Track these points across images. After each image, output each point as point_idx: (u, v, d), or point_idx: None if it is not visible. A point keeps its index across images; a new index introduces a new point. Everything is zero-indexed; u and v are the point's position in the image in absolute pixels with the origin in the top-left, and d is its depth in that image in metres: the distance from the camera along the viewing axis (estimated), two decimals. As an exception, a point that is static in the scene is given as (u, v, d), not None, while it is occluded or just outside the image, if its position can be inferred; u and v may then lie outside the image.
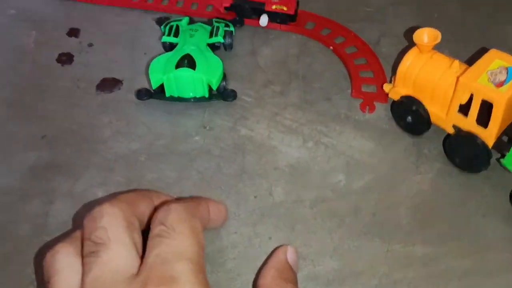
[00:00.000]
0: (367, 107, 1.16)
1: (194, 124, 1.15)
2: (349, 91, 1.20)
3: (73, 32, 1.38)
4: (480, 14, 1.38)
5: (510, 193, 0.94)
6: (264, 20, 1.33)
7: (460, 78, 0.91)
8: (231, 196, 1.01)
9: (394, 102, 1.11)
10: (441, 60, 1.00)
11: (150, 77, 1.14)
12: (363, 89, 1.19)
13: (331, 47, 1.29)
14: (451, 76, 0.96)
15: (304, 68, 1.26)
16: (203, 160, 1.08)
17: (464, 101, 0.93)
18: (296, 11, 1.33)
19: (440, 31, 1.01)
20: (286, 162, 1.07)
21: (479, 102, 0.89)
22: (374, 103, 1.16)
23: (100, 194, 1.03)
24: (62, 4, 1.46)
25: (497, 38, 1.30)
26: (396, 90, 1.09)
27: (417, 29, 1.02)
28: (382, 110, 1.16)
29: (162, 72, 1.13)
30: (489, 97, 0.87)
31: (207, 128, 1.14)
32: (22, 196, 1.02)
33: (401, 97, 1.07)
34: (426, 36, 1.00)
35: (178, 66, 1.13)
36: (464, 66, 0.98)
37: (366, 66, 1.24)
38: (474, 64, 0.92)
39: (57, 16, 1.42)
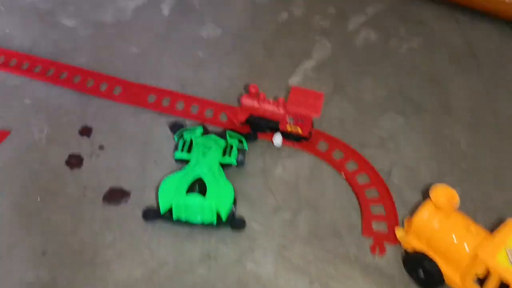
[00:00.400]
0: (377, 248, 1.14)
1: (199, 252, 1.12)
2: (360, 227, 1.18)
3: (86, 131, 1.37)
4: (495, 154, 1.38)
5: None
6: (278, 141, 1.32)
7: (480, 253, 0.90)
8: None
9: (406, 253, 1.09)
10: (459, 222, 0.99)
11: (159, 200, 1.13)
12: (374, 226, 1.18)
13: (343, 173, 1.28)
14: (469, 243, 0.95)
15: (315, 194, 1.25)
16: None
17: (481, 275, 0.91)
18: (310, 133, 1.33)
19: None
20: (291, 306, 1.04)
21: (497, 280, 0.88)
22: (385, 243, 1.14)
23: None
24: (78, 97, 1.46)
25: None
26: (409, 241, 1.07)
27: (432, 186, 1.02)
28: (392, 253, 1.13)
29: (172, 195, 1.12)
30: (507, 279, 0.86)
31: (212, 257, 1.11)
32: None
33: (415, 252, 1.05)
34: (442, 195, 1.00)
35: (189, 190, 1.12)
36: (482, 231, 0.97)
37: (377, 200, 1.23)
38: (493, 235, 0.92)
39: (72, 110, 1.42)
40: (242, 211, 1.20)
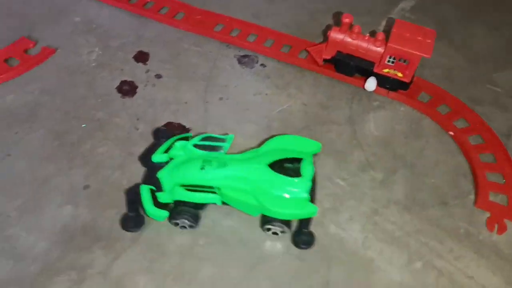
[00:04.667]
0: (496, 225, 0.89)
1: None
2: (472, 197, 0.94)
3: (141, 57, 1.16)
4: None
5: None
6: (371, 84, 1.08)
7: None
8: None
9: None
10: None
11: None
12: (491, 198, 0.93)
13: (451, 133, 1.03)
14: None
15: (413, 153, 1.01)
16: (277, 264, 0.83)
17: None
18: (412, 79, 1.08)
19: None
20: (384, 285, 0.82)
21: None
22: (505, 221, 0.90)
23: (142, 283, 0.80)
24: (133, 19, 1.25)
25: None
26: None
27: None
28: (514, 232, 0.89)
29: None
30: None
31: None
32: (46, 268, 0.80)
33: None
34: None
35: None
36: None
37: (495, 167, 0.98)
38: None
39: (126, 33, 1.21)
40: (324, 162, 0.97)
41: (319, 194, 0.90)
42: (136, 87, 1.10)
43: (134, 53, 1.17)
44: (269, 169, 0.81)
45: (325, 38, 1.13)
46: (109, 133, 1.00)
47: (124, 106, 1.05)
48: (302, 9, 1.31)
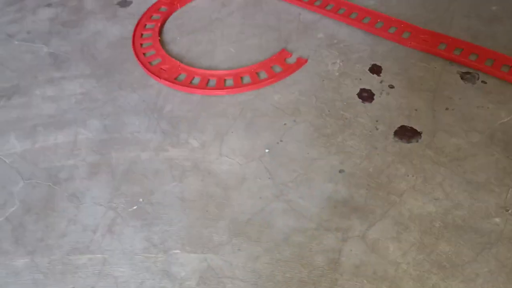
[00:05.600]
0: None
1: (495, 202, 1.09)
2: None
3: (375, 70, 1.41)
4: None
5: None
6: None
7: None
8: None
9: None
10: None
11: None
12: None
13: None
14: None
15: None
16: (504, 249, 1.01)
17: None
18: None
19: None
20: None
21: None
22: None
23: (392, 248, 1.04)
24: (366, 37, 1.50)
25: None
26: None
27: None
28: None
29: None
30: None
31: (510, 211, 1.07)
32: (320, 226, 1.08)
33: None
34: None
35: None
36: None
37: None
38: None
39: (361, 48, 1.47)
40: (547, 172, 1.11)
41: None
42: (373, 94, 1.35)
43: (369, 66, 1.42)
44: None
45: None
46: (355, 130, 1.27)
47: (365, 109, 1.31)
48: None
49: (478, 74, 1.35)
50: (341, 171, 1.18)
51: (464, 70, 1.37)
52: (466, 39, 1.45)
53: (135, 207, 1.15)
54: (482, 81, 1.34)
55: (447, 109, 1.28)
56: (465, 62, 1.38)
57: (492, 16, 1.51)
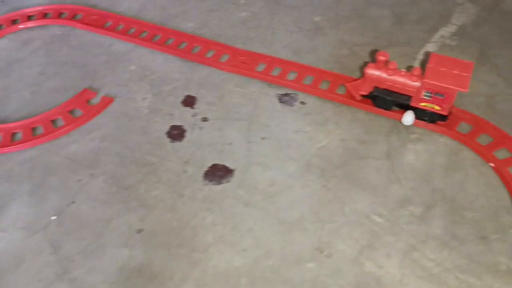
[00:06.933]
0: (539, 261, 0.88)
1: (309, 243, 0.96)
2: (514, 231, 0.93)
3: (189, 101, 1.25)
4: None
5: None
6: (409, 119, 1.10)
7: None
8: None
9: None
10: None
11: None
12: (535, 233, 0.92)
13: (492, 164, 1.03)
14: None
15: (453, 187, 1.02)
16: (316, 300, 0.88)
17: None
18: (450, 110, 1.09)
19: None
20: (422, 323, 0.84)
21: None
22: (549, 256, 0.88)
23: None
24: (183, 64, 1.35)
25: None
26: None
27: None
28: (559, 269, 0.87)
29: None
30: None
31: (325, 253, 0.94)
32: (107, 308, 0.90)
33: None
34: None
35: None
36: None
37: (539, 199, 0.96)
38: None
39: (176, 78, 1.31)
40: (361, 198, 1.00)
41: (354, 232, 0.94)
42: (185, 131, 1.19)
43: (183, 98, 1.26)
44: None
45: (364, 72, 1.16)
46: (161, 176, 1.09)
47: (174, 149, 1.15)
48: (341, 44, 1.35)
49: (297, 95, 1.24)
50: (139, 230, 1.00)
51: (283, 91, 1.25)
52: (287, 56, 1.34)
53: None
54: (301, 102, 1.22)
55: (263, 138, 1.15)
56: (283, 83, 1.26)
57: (315, 28, 1.42)
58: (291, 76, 1.27)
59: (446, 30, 1.34)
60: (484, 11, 1.37)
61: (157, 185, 1.08)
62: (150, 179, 1.09)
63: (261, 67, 1.31)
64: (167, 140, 1.17)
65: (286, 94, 1.24)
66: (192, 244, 0.97)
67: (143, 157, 1.14)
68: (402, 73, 1.09)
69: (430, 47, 1.30)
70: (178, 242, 0.98)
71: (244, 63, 1.32)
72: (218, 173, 1.09)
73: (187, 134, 1.18)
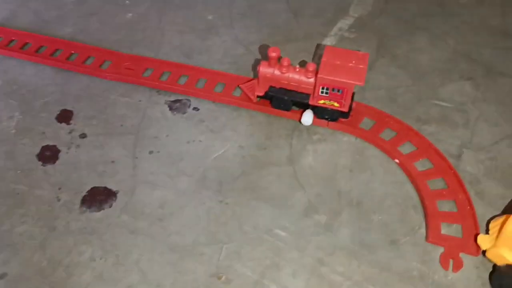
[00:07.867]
0: (451, 260, 0.82)
1: (204, 270, 0.83)
2: (423, 231, 0.86)
3: (65, 116, 1.09)
4: None
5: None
6: (307, 118, 1.01)
7: None
8: None
9: (495, 269, 0.77)
10: None
11: None
12: (444, 230, 0.86)
13: (397, 160, 0.96)
14: None
15: (359, 189, 0.94)
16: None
17: None
18: (350, 108, 1.01)
19: None
20: None
21: None
22: (460, 255, 0.82)
23: None
24: (57, 75, 1.18)
25: None
26: (498, 253, 0.75)
27: None
28: (472, 267, 0.81)
29: None
30: None
31: (222, 279, 0.82)
32: None
33: (508, 267, 0.73)
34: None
35: None
36: None
37: (446, 193, 0.91)
38: None
39: (50, 91, 1.14)
40: (263, 211, 0.90)
41: (256, 251, 0.83)
42: (59, 151, 1.02)
43: (58, 113, 1.09)
44: None
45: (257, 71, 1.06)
46: (30, 208, 0.92)
47: (46, 174, 0.98)
48: (236, 43, 1.25)
49: (189, 100, 1.11)
50: (2, 276, 0.83)
51: (173, 98, 1.12)
52: (178, 59, 1.21)
53: None
54: (194, 108, 1.10)
55: (151, 152, 1.01)
56: (173, 88, 1.13)
57: (208, 27, 1.30)
58: (182, 80, 1.15)
59: (344, 23, 1.28)
60: (381, 2, 1.33)
61: (24, 219, 0.91)
62: (16, 212, 0.92)
63: (148, 73, 1.17)
64: (38, 163, 1.00)
65: (177, 101, 1.11)
66: (68, 287, 0.81)
67: (8, 186, 0.96)
68: (296, 69, 1.00)
69: (329, 41, 1.23)
70: (50, 286, 0.82)
71: (129, 69, 1.18)
72: (98, 197, 0.94)
73: (62, 155, 1.01)
